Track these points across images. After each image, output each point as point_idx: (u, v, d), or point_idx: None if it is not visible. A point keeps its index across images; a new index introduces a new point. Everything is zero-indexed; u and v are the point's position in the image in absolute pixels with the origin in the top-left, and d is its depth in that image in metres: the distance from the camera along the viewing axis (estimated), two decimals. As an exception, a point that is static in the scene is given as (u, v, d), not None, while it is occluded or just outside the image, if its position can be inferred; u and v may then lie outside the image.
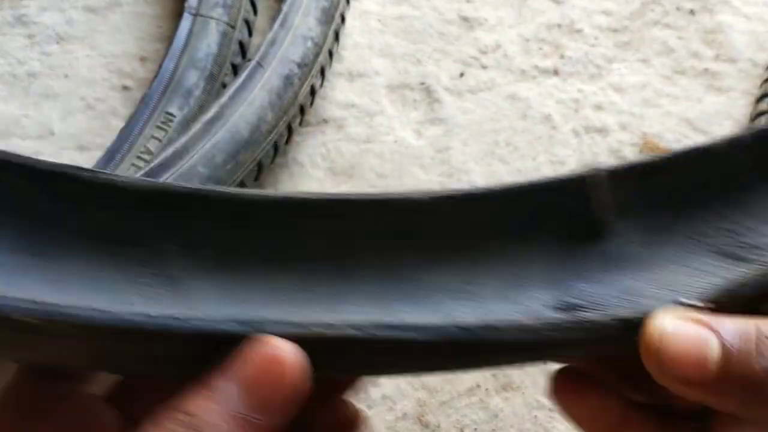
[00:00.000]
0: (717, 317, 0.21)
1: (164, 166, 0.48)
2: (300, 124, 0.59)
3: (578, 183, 0.29)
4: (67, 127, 0.59)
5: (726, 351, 0.20)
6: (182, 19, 0.56)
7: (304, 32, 0.58)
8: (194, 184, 0.32)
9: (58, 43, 0.63)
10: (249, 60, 0.55)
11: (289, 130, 0.57)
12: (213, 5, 0.58)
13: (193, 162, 0.49)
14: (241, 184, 0.53)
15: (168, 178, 0.48)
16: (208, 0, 0.58)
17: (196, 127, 0.50)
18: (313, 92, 0.59)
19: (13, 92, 0.60)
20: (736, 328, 0.21)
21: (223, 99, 0.52)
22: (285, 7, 0.58)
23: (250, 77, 0.54)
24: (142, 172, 0.48)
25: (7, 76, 0.61)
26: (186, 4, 0.57)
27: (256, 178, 0.55)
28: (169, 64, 0.55)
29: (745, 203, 0.29)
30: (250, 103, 0.53)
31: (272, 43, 0.56)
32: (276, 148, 0.56)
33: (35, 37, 0.63)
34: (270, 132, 0.54)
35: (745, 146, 0.29)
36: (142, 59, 0.63)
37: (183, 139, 0.50)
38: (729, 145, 0.29)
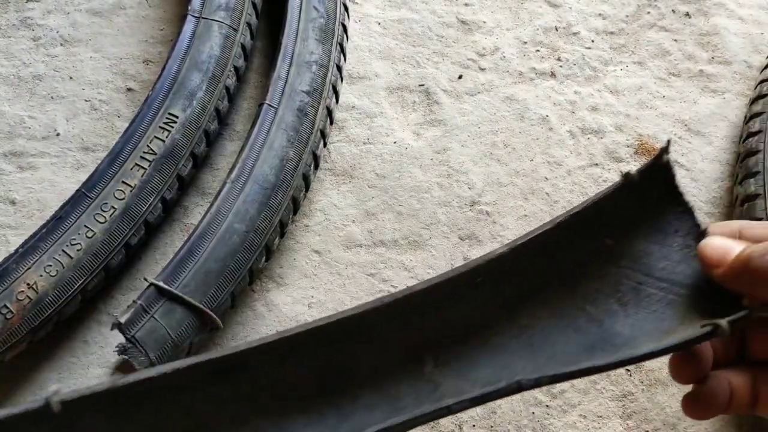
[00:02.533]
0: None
1: (203, 236, 0.49)
2: (325, 146, 0.59)
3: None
4: (72, 128, 0.60)
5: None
6: (185, 22, 0.57)
7: (306, 57, 0.58)
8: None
9: (62, 45, 0.64)
10: (260, 105, 0.55)
11: (315, 157, 0.56)
12: (216, 8, 0.58)
13: (229, 222, 0.50)
14: (281, 225, 0.53)
15: (208, 246, 0.49)
16: (211, 3, 0.58)
17: (225, 188, 0.51)
18: (329, 113, 0.58)
19: (18, 94, 0.61)
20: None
21: (244, 152, 0.53)
22: (283, 39, 0.58)
23: (263, 121, 0.54)
24: (183, 249, 0.48)
25: (13, 78, 0.62)
26: (189, 8, 0.58)
27: (293, 218, 0.55)
28: (172, 66, 0.55)
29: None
30: (270, 147, 0.53)
31: (277, 79, 0.56)
32: (306, 179, 0.55)
33: (40, 40, 0.64)
34: (295, 168, 0.54)
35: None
36: (146, 61, 0.64)
37: (216, 204, 0.50)
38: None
